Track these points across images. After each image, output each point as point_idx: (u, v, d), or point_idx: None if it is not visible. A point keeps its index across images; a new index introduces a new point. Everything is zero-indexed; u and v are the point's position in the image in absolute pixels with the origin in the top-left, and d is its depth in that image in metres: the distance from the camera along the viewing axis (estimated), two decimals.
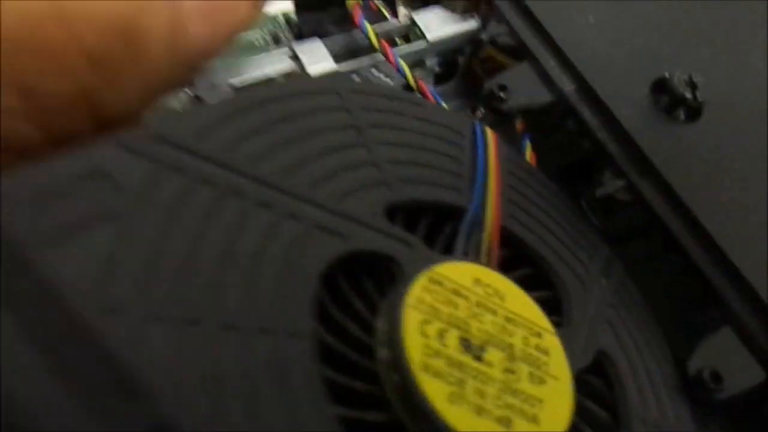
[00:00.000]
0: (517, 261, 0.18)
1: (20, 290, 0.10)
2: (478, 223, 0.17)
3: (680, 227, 0.20)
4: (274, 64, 0.21)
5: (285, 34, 0.27)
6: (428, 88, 0.22)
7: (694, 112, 0.21)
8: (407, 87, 0.23)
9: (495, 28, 0.23)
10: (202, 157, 0.13)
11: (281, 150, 0.15)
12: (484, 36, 0.23)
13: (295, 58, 0.21)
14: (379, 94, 0.18)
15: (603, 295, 0.19)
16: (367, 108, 0.17)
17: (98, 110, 0.13)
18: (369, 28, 0.22)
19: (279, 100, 0.16)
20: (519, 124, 0.23)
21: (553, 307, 0.17)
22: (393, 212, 0.16)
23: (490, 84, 0.21)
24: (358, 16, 0.22)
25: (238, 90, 0.20)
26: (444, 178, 0.18)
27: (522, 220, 0.18)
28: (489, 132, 0.20)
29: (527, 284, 0.17)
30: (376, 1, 0.24)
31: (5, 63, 0.11)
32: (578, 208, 0.21)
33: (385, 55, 0.22)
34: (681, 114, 0.22)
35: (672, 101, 0.22)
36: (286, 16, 0.28)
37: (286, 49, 0.21)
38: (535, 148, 0.22)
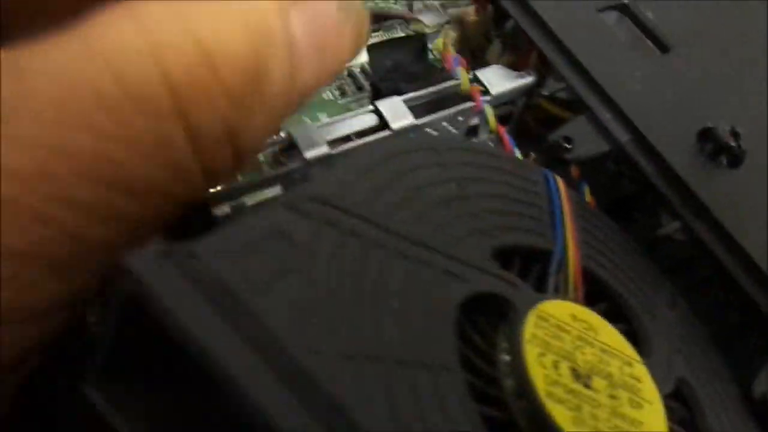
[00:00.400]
0: (596, 296, 0.20)
1: (245, 335, 0.12)
2: (562, 263, 0.19)
3: (729, 260, 0.22)
4: (361, 121, 0.23)
5: (350, 87, 0.30)
6: (506, 135, 0.24)
7: (737, 160, 0.24)
8: (470, 130, 0.26)
9: (553, 85, 0.26)
10: (347, 212, 0.15)
11: (404, 203, 0.17)
12: (544, 92, 0.26)
13: (378, 113, 0.24)
14: (467, 150, 0.20)
15: (672, 326, 0.21)
16: (461, 163, 0.20)
17: (238, 147, 0.14)
18: (463, 74, 0.24)
19: (394, 158, 0.18)
20: (575, 170, 0.25)
21: (630, 336, 0.19)
22: (496, 256, 0.18)
23: (556, 136, 0.23)
24: (451, 62, 0.24)
25: (332, 143, 0.22)
26: (530, 224, 0.20)
27: (596, 259, 0.21)
28: (559, 180, 0.22)
29: (607, 317, 0.19)
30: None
31: (176, 106, 0.12)
32: (637, 244, 0.23)
33: (474, 99, 0.24)
34: (723, 160, 0.24)
35: (716, 149, 0.24)
36: (349, 70, 0.30)
37: (370, 107, 0.24)
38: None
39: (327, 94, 0.29)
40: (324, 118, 0.28)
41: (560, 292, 0.19)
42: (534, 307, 0.17)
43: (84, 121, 0.12)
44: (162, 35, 0.13)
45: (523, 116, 0.29)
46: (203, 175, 0.14)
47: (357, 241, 0.15)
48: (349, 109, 0.29)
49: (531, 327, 0.16)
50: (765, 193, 0.24)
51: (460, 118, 0.26)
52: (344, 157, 0.20)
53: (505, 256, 0.19)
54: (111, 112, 0.12)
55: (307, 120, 0.28)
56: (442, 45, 0.25)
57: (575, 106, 0.25)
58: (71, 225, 0.12)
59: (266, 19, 0.14)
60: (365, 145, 0.22)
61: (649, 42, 0.28)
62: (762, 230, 0.23)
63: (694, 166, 0.24)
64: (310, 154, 0.22)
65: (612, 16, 0.28)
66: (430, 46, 0.29)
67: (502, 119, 0.28)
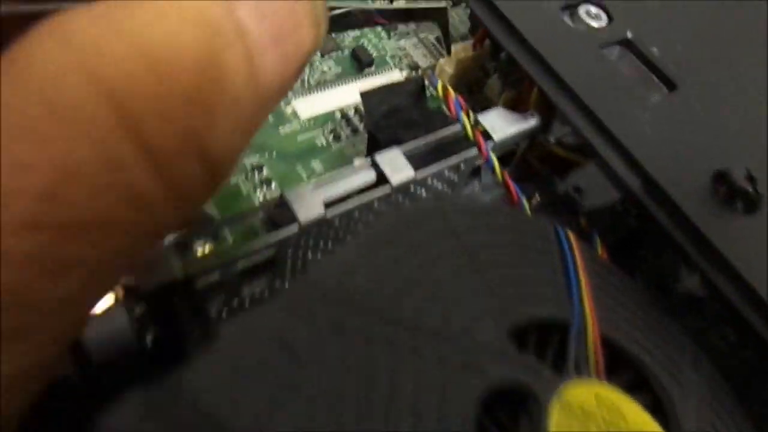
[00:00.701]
0: (618, 363, 0.19)
1: None
2: (581, 334, 0.18)
3: (747, 308, 0.21)
4: (359, 177, 0.22)
5: (344, 131, 0.29)
6: (513, 185, 0.23)
7: (753, 205, 0.23)
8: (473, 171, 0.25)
9: (559, 129, 0.25)
10: (350, 308, 0.14)
11: (413, 286, 0.15)
12: (551, 137, 0.25)
13: (376, 167, 0.22)
14: (477, 213, 0.19)
15: (699, 392, 0.19)
16: (471, 228, 0.18)
17: (207, 160, 0.12)
18: (466, 120, 0.23)
19: (398, 233, 0.17)
20: (584, 222, 0.24)
21: (657, 409, 0.18)
22: (512, 333, 0.17)
23: (565, 187, 0.22)
24: (453, 107, 0.23)
25: (328, 205, 0.21)
26: (545, 291, 0.18)
27: (615, 324, 0.19)
28: (571, 236, 0.21)
29: (632, 389, 0.18)
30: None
31: (122, 122, 0.11)
32: (653, 296, 0.22)
33: (479, 147, 0.23)
34: (739, 205, 0.23)
35: (731, 193, 0.23)
36: (342, 112, 0.29)
37: (366, 160, 0.22)
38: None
39: (320, 140, 0.28)
40: (317, 166, 0.27)
41: (581, 368, 0.17)
42: (557, 394, 0.15)
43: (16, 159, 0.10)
44: (92, 47, 0.11)
45: (525, 155, 0.28)
46: (168, 198, 0.12)
47: (363, 343, 0.14)
48: (343, 155, 0.28)
49: (555, 420, 0.15)
50: None
51: (463, 167, 0.25)
52: (343, 239, 0.19)
53: (522, 332, 0.17)
54: (45, 145, 0.10)
55: (300, 170, 0.27)
56: (442, 88, 0.23)
57: (583, 149, 0.24)
58: (9, 285, 0.10)
59: (209, 9, 0.12)
60: (366, 221, 0.20)
61: (654, 78, 0.27)
62: None
63: (708, 213, 0.23)
64: (305, 216, 0.20)
65: (614, 52, 0.27)
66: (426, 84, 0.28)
67: (502, 159, 0.27)
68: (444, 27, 0.27)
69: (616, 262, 0.23)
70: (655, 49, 0.27)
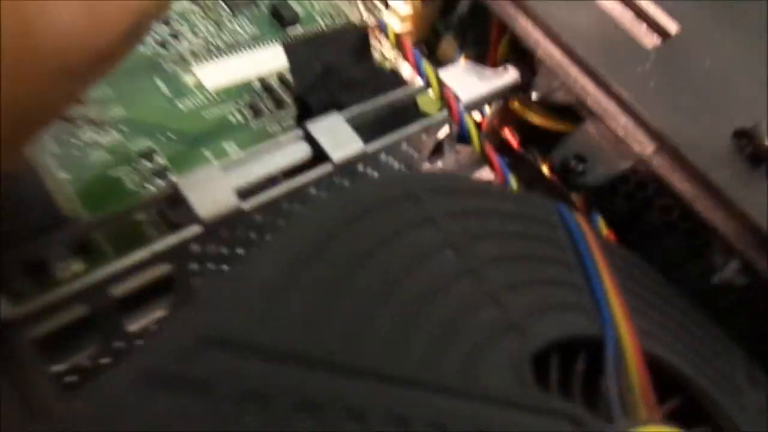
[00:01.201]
0: (662, 384, 0.13)
1: None
2: (618, 354, 0.13)
3: None
4: (286, 154, 0.16)
5: (266, 103, 0.22)
6: (496, 158, 0.17)
7: None
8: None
9: (545, 84, 0.19)
10: (264, 357, 0.08)
11: (374, 314, 0.09)
12: (535, 94, 0.19)
13: (310, 140, 0.16)
14: (456, 191, 0.13)
15: (760, 411, 0.15)
16: (452, 213, 0.12)
17: None
18: (430, 72, 0.17)
19: (351, 224, 0.11)
20: (581, 199, 0.19)
21: None
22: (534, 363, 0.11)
23: (564, 155, 0.17)
24: (412, 57, 0.17)
25: (245, 194, 0.15)
26: (565, 296, 0.13)
27: (652, 333, 0.14)
28: (580, 220, 0.15)
29: (687, 419, 0.13)
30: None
31: None
32: (678, 288, 0.17)
33: (450, 108, 0.17)
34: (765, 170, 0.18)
35: (756, 153, 0.18)
36: (262, 81, 0.23)
37: (298, 132, 0.16)
38: None
39: (233, 116, 0.21)
40: (231, 149, 0.20)
41: (627, 405, 0.12)
42: None
43: None
44: None
45: (494, 124, 0.23)
46: None
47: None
48: (266, 134, 0.21)
49: None
50: None
51: (424, 137, 0.19)
52: (264, 239, 0.13)
53: (543, 357, 0.12)
54: None
55: (207, 154, 0.20)
56: (393, 36, 0.18)
57: (571, 112, 0.19)
58: None
59: None
60: (300, 213, 0.14)
61: (644, 25, 0.22)
62: None
63: (742, 182, 0.18)
64: (209, 211, 0.14)
65: None
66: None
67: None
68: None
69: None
70: None
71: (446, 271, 0.11)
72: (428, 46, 0.27)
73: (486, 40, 0.24)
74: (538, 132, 0.22)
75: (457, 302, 0.11)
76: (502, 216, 0.14)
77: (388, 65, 0.23)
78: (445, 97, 0.17)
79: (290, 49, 0.19)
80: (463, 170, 0.23)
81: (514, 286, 0.12)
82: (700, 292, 0.18)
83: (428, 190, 0.13)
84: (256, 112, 0.22)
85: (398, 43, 0.17)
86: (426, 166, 0.21)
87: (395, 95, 0.18)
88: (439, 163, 0.22)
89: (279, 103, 0.22)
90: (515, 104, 0.21)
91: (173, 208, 0.16)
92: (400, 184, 0.12)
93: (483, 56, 0.24)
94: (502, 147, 0.23)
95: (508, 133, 0.23)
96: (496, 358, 0.10)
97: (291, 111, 0.22)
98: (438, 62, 0.26)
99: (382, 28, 0.18)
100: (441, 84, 0.18)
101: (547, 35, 0.19)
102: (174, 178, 0.19)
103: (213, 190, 0.14)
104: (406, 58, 0.17)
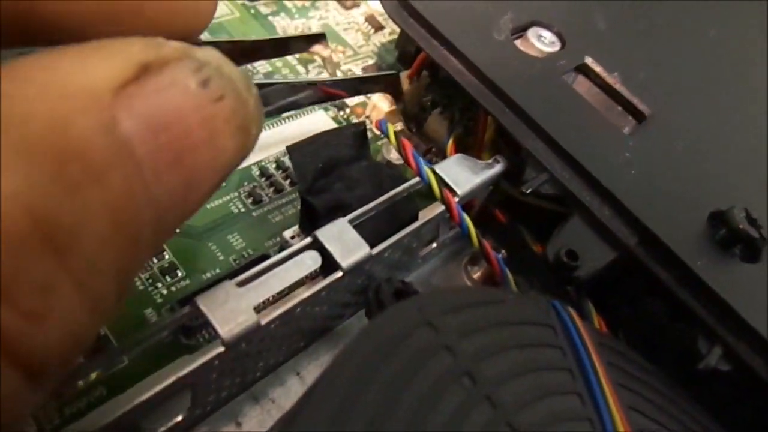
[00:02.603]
0: None
1: None
2: None
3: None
4: (299, 266, 0.16)
5: (266, 191, 0.23)
6: (492, 252, 0.18)
7: (757, 253, 0.20)
8: None
9: (532, 176, 0.21)
10: None
11: None
12: (524, 189, 0.20)
13: (319, 248, 0.17)
14: (463, 307, 0.14)
15: None
16: (463, 332, 0.13)
17: (27, 358, 0.08)
18: (431, 177, 0.18)
19: (372, 366, 0.11)
20: (572, 290, 0.20)
21: None
22: None
23: (556, 251, 0.18)
24: (413, 160, 0.18)
25: (261, 308, 0.15)
26: (571, 409, 0.14)
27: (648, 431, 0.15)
28: (577, 320, 0.16)
29: None
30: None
31: None
32: (677, 384, 0.18)
33: (450, 211, 0.18)
34: (737, 251, 0.20)
35: (731, 237, 0.20)
36: (260, 167, 0.23)
37: (308, 240, 0.17)
38: None
39: (236, 206, 0.22)
40: (235, 241, 0.21)
41: None
42: None
43: None
44: None
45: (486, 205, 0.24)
46: None
47: None
48: (267, 222, 0.22)
49: None
50: None
51: (424, 231, 0.20)
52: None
53: None
54: None
55: (214, 248, 0.21)
56: (394, 137, 0.19)
57: (559, 199, 0.20)
58: None
59: (68, 131, 0.08)
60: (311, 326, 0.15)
61: (619, 108, 0.23)
62: None
63: (710, 261, 0.19)
64: (231, 333, 0.15)
65: (571, 80, 0.24)
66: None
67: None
68: (398, 95, 0.24)
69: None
70: (616, 75, 0.24)
71: (466, 402, 0.12)
72: (416, 118, 0.28)
73: (474, 116, 0.25)
74: (526, 208, 0.23)
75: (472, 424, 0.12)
76: (507, 326, 0.15)
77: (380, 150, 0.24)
78: (445, 197, 0.18)
79: (293, 151, 0.19)
80: (454, 244, 0.24)
81: (525, 404, 0.13)
82: (688, 369, 0.19)
83: (439, 314, 0.14)
84: (256, 201, 0.22)
85: (399, 145, 0.18)
86: (423, 251, 0.22)
87: (396, 192, 0.19)
88: (434, 244, 0.23)
89: (278, 191, 0.23)
90: (504, 186, 0.23)
91: (190, 324, 0.16)
92: (416, 314, 0.13)
93: (472, 132, 0.25)
94: (492, 222, 0.24)
95: (497, 212, 0.24)
96: None
97: (290, 198, 0.23)
98: (427, 137, 0.28)
99: (383, 129, 0.19)
100: (440, 183, 0.19)
101: (531, 128, 0.21)
102: (182, 275, 0.20)
103: (233, 309, 0.15)
104: (407, 161, 0.18)
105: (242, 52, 0.20)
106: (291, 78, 0.27)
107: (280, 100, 0.20)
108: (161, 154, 0.09)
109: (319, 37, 0.24)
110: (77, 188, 0.08)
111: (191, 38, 0.12)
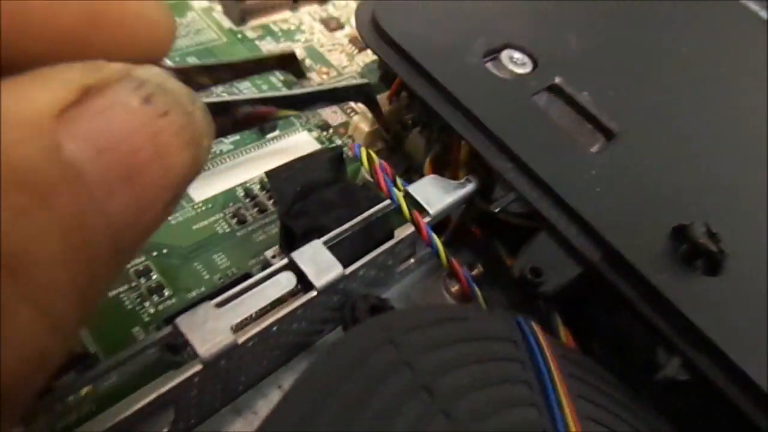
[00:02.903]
0: None
1: None
2: None
3: (729, 385, 0.19)
4: (276, 286, 0.17)
5: (250, 211, 0.24)
6: (461, 270, 0.19)
7: (717, 266, 0.20)
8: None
9: (501, 194, 0.22)
10: None
11: None
12: (495, 209, 0.21)
13: (294, 269, 0.18)
14: (426, 324, 0.15)
15: None
16: (424, 348, 0.14)
17: None
18: (401, 200, 0.19)
19: (333, 383, 0.12)
20: (541, 304, 0.21)
21: None
22: None
23: (521, 268, 0.19)
24: (384, 183, 0.19)
25: (238, 329, 0.16)
26: (527, 419, 0.15)
27: None
28: (539, 334, 0.17)
29: None
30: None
31: None
32: (638, 394, 0.19)
33: (419, 231, 0.19)
34: (699, 265, 0.21)
35: (692, 251, 0.20)
36: (245, 188, 0.24)
37: (284, 261, 0.18)
38: None
39: (221, 226, 0.23)
40: (220, 260, 0.22)
41: None
42: None
43: None
44: None
45: (460, 222, 0.25)
46: None
47: None
48: (251, 241, 0.23)
49: None
50: (750, 299, 0.20)
51: (398, 249, 0.21)
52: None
53: None
54: None
55: (199, 267, 0.22)
56: (367, 160, 0.19)
57: (530, 216, 0.21)
58: None
59: (10, 158, 0.08)
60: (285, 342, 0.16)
61: (589, 126, 0.24)
62: (760, 347, 0.19)
63: (671, 275, 0.20)
64: (209, 352, 0.16)
65: (543, 99, 0.25)
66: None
67: (435, 226, 0.24)
68: (372, 103, 0.24)
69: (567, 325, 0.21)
70: (586, 94, 0.25)
71: (422, 415, 0.13)
72: (397, 137, 0.29)
73: (450, 135, 0.26)
74: (500, 223, 0.24)
75: None
76: (469, 341, 0.16)
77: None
78: (413, 218, 0.19)
79: (272, 176, 0.20)
80: (433, 259, 0.25)
81: (481, 416, 0.14)
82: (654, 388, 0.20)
83: (402, 332, 0.15)
84: (240, 221, 0.23)
85: (371, 171, 0.19)
86: (401, 266, 0.23)
87: (369, 214, 0.20)
88: (411, 260, 0.24)
89: (262, 211, 0.24)
90: (478, 202, 0.24)
91: (172, 345, 0.17)
92: (378, 332, 0.14)
93: (450, 150, 0.26)
94: (469, 237, 0.25)
95: (472, 227, 0.25)
96: None
97: (272, 216, 0.24)
98: (407, 155, 0.28)
99: (356, 154, 0.20)
100: (411, 204, 0.20)
101: (500, 150, 0.22)
102: (169, 294, 0.21)
103: (212, 330, 0.16)
104: (378, 185, 0.19)
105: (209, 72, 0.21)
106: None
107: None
108: (110, 173, 0.09)
109: (290, 58, 0.25)
110: (24, 213, 0.08)
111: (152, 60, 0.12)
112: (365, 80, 0.25)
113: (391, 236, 0.21)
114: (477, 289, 0.20)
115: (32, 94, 0.09)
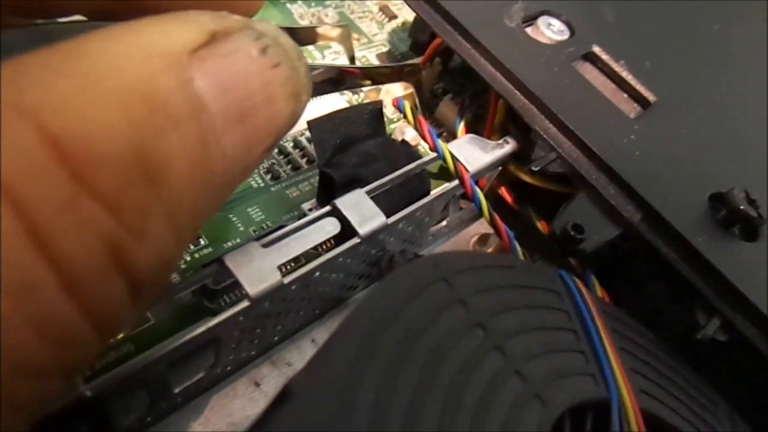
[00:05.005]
0: None
1: None
2: (621, 414, 0.15)
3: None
4: (320, 231, 0.17)
5: (284, 168, 0.24)
6: (503, 227, 0.19)
7: (755, 232, 0.20)
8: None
9: (540, 155, 0.21)
10: None
11: (428, 390, 0.11)
12: (534, 167, 0.21)
13: (338, 216, 0.18)
14: (477, 268, 0.15)
15: None
16: (476, 290, 0.14)
17: (132, 270, 0.09)
18: (447, 152, 0.19)
19: (397, 325, 0.12)
20: (576, 261, 0.21)
21: None
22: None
23: (563, 225, 0.19)
24: (429, 136, 0.19)
25: (285, 268, 0.16)
26: (575, 363, 0.15)
27: (649, 392, 0.16)
28: (582, 288, 0.17)
29: None
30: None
31: (27, 231, 0.08)
32: (677, 353, 0.19)
33: (464, 185, 0.19)
34: (737, 231, 0.21)
35: (730, 217, 0.20)
36: (278, 146, 0.24)
37: (328, 207, 0.18)
38: None
39: (255, 181, 0.23)
40: (254, 213, 0.22)
41: None
42: None
43: None
44: None
45: (493, 184, 0.25)
46: (93, 329, 0.09)
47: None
48: (285, 197, 0.23)
49: None
50: None
51: (436, 205, 0.21)
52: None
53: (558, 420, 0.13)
54: None
55: (234, 219, 0.22)
56: (411, 113, 0.19)
57: (565, 178, 0.21)
58: None
59: (154, 83, 0.09)
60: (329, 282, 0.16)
61: (625, 95, 0.24)
62: None
63: (710, 239, 0.20)
64: (256, 289, 0.16)
65: (578, 66, 0.25)
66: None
67: None
68: (417, 84, 0.24)
69: None
70: (623, 62, 0.25)
71: (478, 351, 0.13)
72: (428, 104, 0.29)
73: (483, 102, 0.26)
74: (532, 189, 0.24)
75: (489, 378, 0.13)
76: (517, 288, 0.16)
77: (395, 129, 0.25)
78: (458, 171, 0.19)
79: (314, 126, 0.20)
80: (465, 224, 0.25)
81: (533, 356, 0.14)
82: (686, 344, 0.20)
83: (454, 272, 0.15)
84: (275, 177, 0.23)
85: (415, 122, 0.19)
86: (434, 228, 0.23)
87: (410, 168, 0.20)
88: (444, 222, 0.24)
89: (296, 168, 0.24)
90: (512, 167, 0.23)
91: (217, 279, 0.17)
92: (431, 270, 0.14)
93: (481, 118, 0.26)
94: (499, 203, 0.25)
95: (504, 191, 0.25)
96: (525, 429, 0.12)
97: (307, 175, 0.24)
98: (438, 123, 0.28)
99: (400, 107, 0.20)
100: (454, 159, 0.19)
101: (541, 111, 0.21)
102: (205, 243, 0.21)
103: (259, 268, 0.16)
104: (423, 137, 0.19)
105: None
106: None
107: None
108: (228, 111, 0.10)
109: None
110: (163, 132, 0.09)
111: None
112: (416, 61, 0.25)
113: (427, 194, 0.21)
114: (518, 245, 0.20)
115: (173, 31, 0.10)
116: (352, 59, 0.29)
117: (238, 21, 0.11)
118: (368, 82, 0.22)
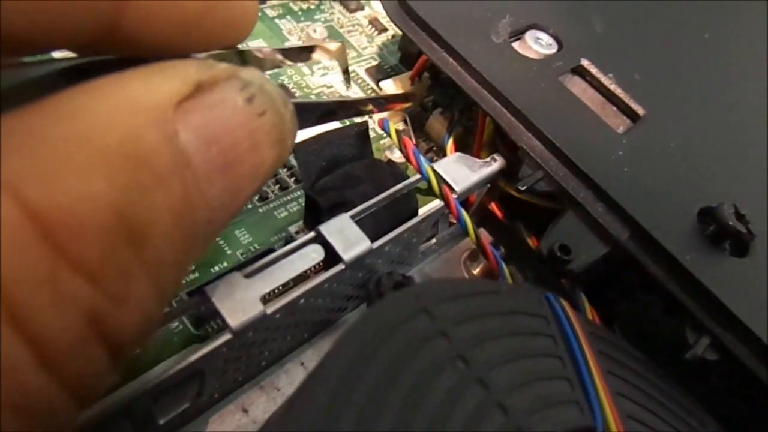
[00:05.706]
0: None
1: None
2: None
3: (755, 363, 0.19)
4: (304, 259, 0.17)
5: (272, 188, 0.24)
6: (489, 246, 0.19)
7: (744, 248, 0.20)
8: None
9: (527, 173, 0.21)
10: None
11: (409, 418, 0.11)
12: (520, 186, 0.21)
13: (322, 242, 0.18)
14: (459, 296, 0.15)
15: None
16: (458, 320, 0.14)
17: (112, 336, 0.09)
18: (431, 174, 0.19)
19: (379, 357, 0.12)
20: (566, 281, 0.21)
21: None
22: None
23: (550, 246, 0.19)
24: (414, 159, 0.19)
25: (268, 299, 0.16)
26: (560, 391, 0.15)
27: (636, 417, 0.16)
28: (569, 310, 0.17)
29: None
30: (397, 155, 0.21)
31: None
32: (665, 371, 0.19)
33: (449, 207, 0.19)
34: (727, 246, 0.21)
35: (720, 233, 0.20)
36: None
37: (312, 234, 0.18)
38: None
39: (264, 191, 0.23)
40: (242, 236, 0.22)
41: None
42: None
43: None
44: None
45: (482, 200, 0.25)
46: (72, 398, 0.09)
47: None
48: (273, 218, 0.23)
49: None
50: None
51: (423, 226, 0.21)
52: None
53: None
54: None
55: (221, 243, 0.21)
56: (395, 134, 0.19)
57: (554, 196, 0.21)
58: None
59: (139, 141, 0.09)
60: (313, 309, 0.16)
61: (614, 108, 0.24)
62: None
63: (699, 256, 0.20)
64: (238, 321, 0.15)
65: (566, 80, 0.25)
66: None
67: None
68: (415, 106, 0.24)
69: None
70: (611, 77, 0.24)
71: (459, 384, 0.13)
72: (417, 118, 0.29)
73: (473, 115, 0.26)
74: (523, 204, 0.24)
75: (470, 412, 0.13)
76: (502, 315, 0.16)
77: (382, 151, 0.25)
78: (443, 194, 0.19)
79: (298, 148, 0.20)
80: (455, 240, 0.25)
81: (516, 387, 0.14)
82: (675, 363, 0.20)
83: (437, 302, 0.14)
84: (262, 198, 0.23)
85: (400, 144, 0.19)
86: (423, 246, 0.23)
87: (396, 189, 0.20)
88: (434, 240, 0.24)
89: (283, 188, 0.24)
90: (501, 183, 0.23)
91: (201, 311, 0.17)
92: (413, 302, 0.14)
93: (472, 131, 0.26)
94: (490, 219, 0.25)
95: (494, 207, 0.25)
96: None
97: (295, 195, 0.24)
98: (428, 137, 0.28)
99: (385, 128, 0.20)
100: (439, 180, 0.19)
101: (528, 128, 0.21)
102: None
103: (241, 299, 0.16)
104: (408, 158, 0.19)
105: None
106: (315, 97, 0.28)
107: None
108: (213, 162, 0.10)
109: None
110: (147, 191, 0.09)
111: (234, 46, 0.13)
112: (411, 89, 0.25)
113: (415, 214, 0.21)
114: (505, 266, 0.20)
115: (157, 84, 0.10)
116: (346, 72, 0.28)
117: (223, 70, 0.11)
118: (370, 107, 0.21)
